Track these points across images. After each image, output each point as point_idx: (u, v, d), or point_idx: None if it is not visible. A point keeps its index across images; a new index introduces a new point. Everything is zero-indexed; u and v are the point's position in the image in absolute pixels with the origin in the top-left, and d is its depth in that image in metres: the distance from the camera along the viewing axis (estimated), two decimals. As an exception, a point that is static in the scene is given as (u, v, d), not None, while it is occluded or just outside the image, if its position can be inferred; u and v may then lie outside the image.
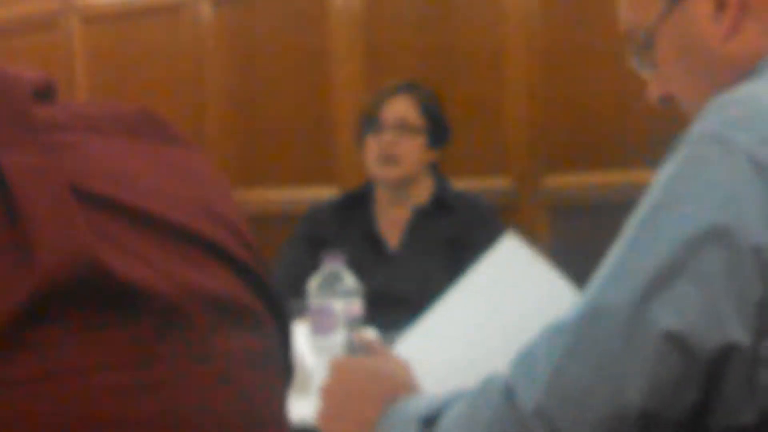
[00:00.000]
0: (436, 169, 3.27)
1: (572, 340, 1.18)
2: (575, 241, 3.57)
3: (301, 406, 1.92)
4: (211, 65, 4.30)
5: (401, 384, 1.51)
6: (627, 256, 1.18)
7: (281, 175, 4.17)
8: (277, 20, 4.15)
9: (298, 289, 2.55)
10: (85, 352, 0.43)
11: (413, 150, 3.12)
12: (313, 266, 2.55)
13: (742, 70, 1.34)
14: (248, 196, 4.09)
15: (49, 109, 0.50)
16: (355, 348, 1.79)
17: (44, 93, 0.51)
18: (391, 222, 3.22)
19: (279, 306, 0.54)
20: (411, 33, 3.90)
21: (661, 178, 1.21)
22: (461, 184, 3.41)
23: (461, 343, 1.77)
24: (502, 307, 1.78)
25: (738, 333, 1.11)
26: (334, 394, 1.54)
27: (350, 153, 3.41)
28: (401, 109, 3.13)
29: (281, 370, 0.55)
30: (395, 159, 3.11)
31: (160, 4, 4.41)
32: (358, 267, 2.56)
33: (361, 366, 1.57)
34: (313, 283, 2.44)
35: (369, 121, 3.15)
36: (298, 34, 4.11)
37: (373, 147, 3.13)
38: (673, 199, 1.18)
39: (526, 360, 1.22)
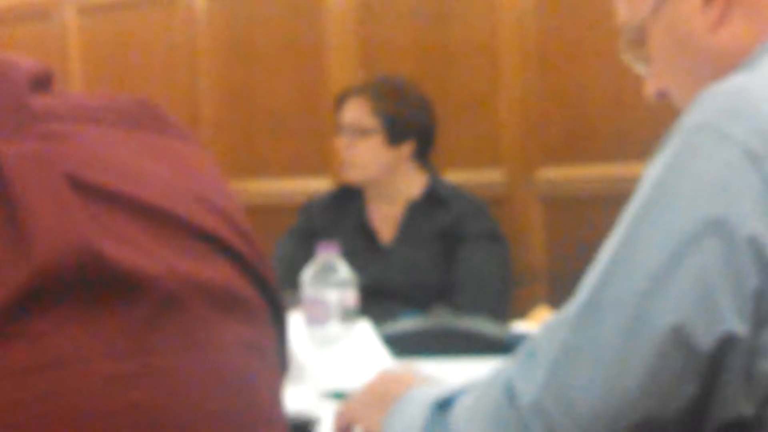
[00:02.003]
0: (428, 164, 3.27)
1: (571, 337, 1.18)
2: (569, 234, 3.58)
3: (296, 396, 1.92)
4: (205, 57, 4.29)
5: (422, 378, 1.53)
6: (624, 251, 1.19)
7: (275, 167, 4.17)
8: (272, 12, 4.14)
9: (293, 282, 2.55)
10: (80, 342, 0.43)
11: (368, 152, 3.14)
12: (308, 259, 2.56)
13: (731, 63, 1.35)
14: (242, 187, 4.08)
15: (46, 99, 0.50)
16: None
17: (41, 82, 0.51)
18: (384, 216, 3.22)
19: (274, 296, 0.54)
20: (405, 26, 3.90)
21: (654, 170, 1.21)
22: (455, 176, 3.41)
23: None
24: None
25: (736, 324, 1.11)
26: (372, 389, 1.56)
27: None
28: (353, 112, 3.16)
29: (276, 360, 0.55)
30: (352, 163, 3.14)
31: (154, -5, 4.41)
32: (351, 260, 2.57)
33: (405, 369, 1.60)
34: (308, 274, 2.44)
35: (336, 125, 3.20)
36: (292, 26, 4.11)
37: (337, 150, 3.18)
38: (666, 192, 1.18)
39: (526, 355, 1.23)
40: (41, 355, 0.43)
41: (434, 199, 3.18)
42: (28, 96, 0.48)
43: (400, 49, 3.90)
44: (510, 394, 1.20)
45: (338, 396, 1.96)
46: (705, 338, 1.11)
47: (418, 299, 2.98)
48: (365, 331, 2.39)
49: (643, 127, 3.24)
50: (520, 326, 2.52)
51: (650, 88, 1.51)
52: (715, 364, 1.12)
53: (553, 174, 3.68)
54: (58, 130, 0.48)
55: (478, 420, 1.25)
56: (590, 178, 3.59)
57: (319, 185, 3.77)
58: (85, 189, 0.46)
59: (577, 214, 3.59)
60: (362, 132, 3.13)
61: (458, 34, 3.81)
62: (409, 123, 3.19)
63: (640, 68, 1.51)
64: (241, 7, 4.22)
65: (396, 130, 3.15)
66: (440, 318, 2.46)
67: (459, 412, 1.30)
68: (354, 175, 3.16)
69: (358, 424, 1.53)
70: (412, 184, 3.22)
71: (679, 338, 1.11)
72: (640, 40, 1.46)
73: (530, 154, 3.72)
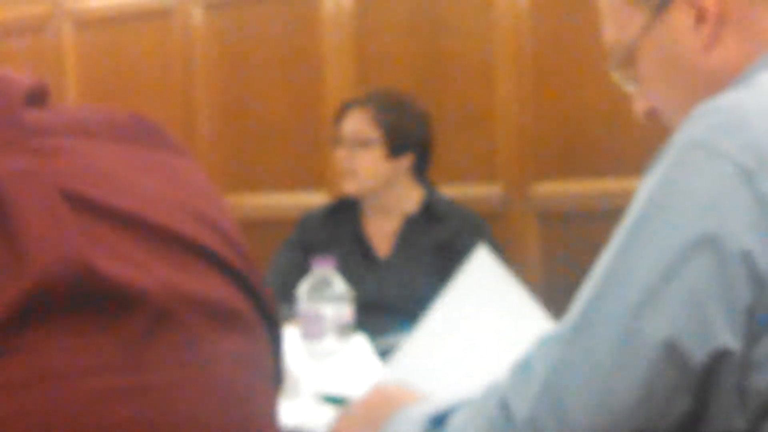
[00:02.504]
0: (423, 177, 3.27)
1: (565, 351, 1.18)
2: (564, 249, 3.58)
3: (292, 411, 1.92)
4: (201, 70, 4.30)
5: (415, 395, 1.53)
6: (617, 267, 1.19)
7: (271, 181, 4.17)
8: (268, 26, 4.15)
9: (288, 296, 2.55)
10: (74, 356, 0.43)
11: (368, 163, 3.14)
12: (304, 273, 2.55)
13: (724, 82, 1.35)
14: (238, 201, 4.09)
15: (40, 113, 0.50)
16: None
17: (36, 97, 0.51)
18: (381, 230, 3.22)
19: (269, 310, 0.54)
20: (402, 40, 3.90)
21: (648, 186, 1.21)
22: (451, 191, 3.41)
23: (446, 359, 1.79)
24: (479, 320, 1.81)
25: (729, 339, 1.11)
26: (364, 407, 1.55)
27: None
28: (355, 122, 3.16)
29: (271, 374, 0.54)
30: (351, 173, 3.14)
31: (151, 9, 4.41)
32: (348, 274, 2.57)
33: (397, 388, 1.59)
34: (303, 288, 2.44)
35: (333, 137, 3.20)
36: (289, 39, 4.11)
37: (337, 161, 3.18)
38: (660, 208, 1.18)
39: (520, 370, 1.23)
40: (36, 370, 0.43)
41: (431, 213, 3.18)
42: (22, 110, 0.48)
43: (396, 63, 3.90)
44: (505, 409, 1.21)
45: (332, 401, 1.96)
46: (698, 353, 1.11)
47: (413, 313, 2.98)
48: (361, 345, 2.39)
49: (639, 143, 3.24)
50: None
51: (640, 107, 1.51)
52: (708, 378, 1.12)
53: (549, 189, 3.69)
54: (51, 144, 0.48)
55: None
56: (586, 194, 3.59)
57: (315, 200, 3.77)
58: (78, 203, 0.46)
59: (572, 230, 3.59)
60: (363, 143, 3.14)
61: (455, 49, 3.81)
62: (410, 136, 3.20)
63: (629, 87, 1.51)
64: (237, 21, 4.22)
65: (397, 143, 3.15)
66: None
67: (453, 428, 1.30)
68: (352, 186, 3.16)
69: None
70: (409, 198, 3.22)
71: (672, 353, 1.11)
72: (629, 59, 1.47)
73: (526, 169, 3.72)
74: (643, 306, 1.14)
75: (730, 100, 1.24)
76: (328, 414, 1.91)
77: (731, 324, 1.12)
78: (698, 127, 1.20)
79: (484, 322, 1.81)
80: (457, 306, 1.84)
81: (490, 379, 1.30)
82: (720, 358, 1.11)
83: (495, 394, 1.24)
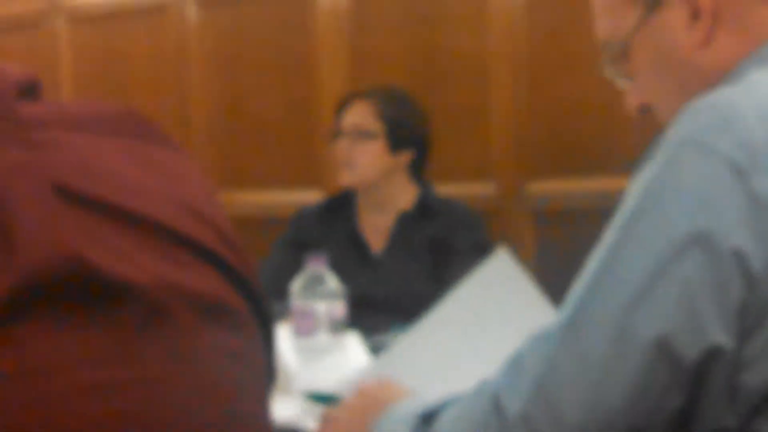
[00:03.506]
0: (419, 176, 3.27)
1: (557, 349, 1.18)
2: (559, 247, 3.58)
3: (283, 407, 1.92)
4: (196, 67, 4.29)
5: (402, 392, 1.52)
6: (609, 264, 1.19)
7: (266, 178, 4.16)
8: (263, 23, 4.14)
9: (282, 293, 2.54)
10: (65, 349, 0.43)
11: (368, 155, 3.13)
12: (297, 270, 2.55)
13: (716, 79, 1.35)
14: (231, 198, 4.08)
15: (33, 107, 0.50)
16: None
17: (29, 91, 0.51)
18: (375, 226, 3.22)
19: (262, 306, 0.54)
20: (396, 39, 3.90)
21: (640, 183, 1.21)
22: (445, 190, 3.41)
23: (448, 355, 1.78)
24: (488, 322, 1.79)
25: (720, 336, 1.12)
26: (351, 407, 1.55)
27: (333, 157, 3.41)
28: (357, 115, 3.15)
29: (263, 370, 0.54)
30: (350, 165, 3.13)
31: (146, 6, 4.40)
32: (341, 271, 2.56)
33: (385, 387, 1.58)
34: (296, 285, 2.44)
35: (333, 129, 3.19)
36: (283, 37, 4.11)
37: (335, 154, 3.17)
38: (652, 205, 1.18)
39: (512, 367, 1.23)
40: (27, 362, 0.43)
41: (426, 210, 3.18)
42: (15, 104, 0.48)
43: (390, 60, 3.90)
44: (497, 406, 1.21)
45: (320, 399, 1.96)
46: (689, 350, 1.11)
47: (407, 310, 2.97)
48: (354, 342, 2.39)
49: (634, 141, 3.25)
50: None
51: (632, 102, 1.51)
52: (700, 376, 1.12)
53: (543, 188, 3.69)
54: (44, 138, 0.48)
55: (463, 431, 1.25)
56: (580, 192, 3.60)
57: (309, 197, 3.77)
58: (71, 197, 0.46)
59: (567, 228, 3.59)
60: (365, 135, 3.13)
61: (449, 47, 3.81)
62: (411, 132, 3.20)
63: (622, 83, 1.51)
64: (232, 17, 4.22)
65: (398, 137, 3.15)
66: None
67: (443, 424, 1.30)
68: (351, 177, 3.16)
69: None
70: (405, 194, 3.22)
71: (664, 350, 1.12)
72: (622, 55, 1.47)
73: (520, 167, 3.72)
74: (635, 303, 1.14)
75: (722, 97, 1.24)
76: (321, 411, 1.91)
77: (723, 322, 1.12)
78: (691, 124, 1.20)
79: (492, 323, 1.79)
80: (465, 305, 1.82)
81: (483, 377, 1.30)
82: (712, 355, 1.12)
83: (487, 390, 1.24)
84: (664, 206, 1.17)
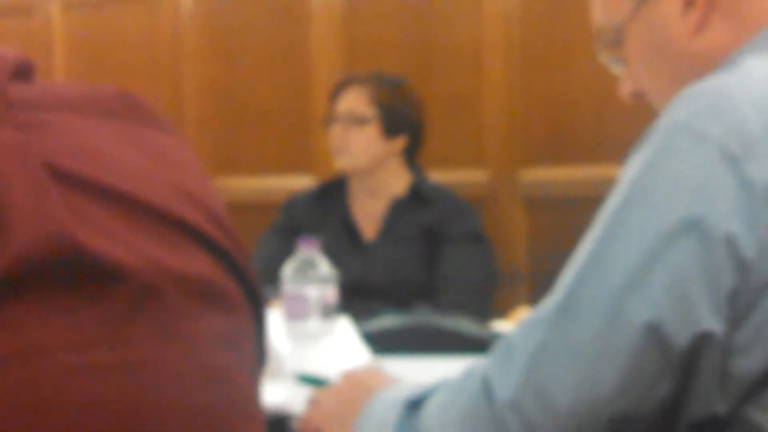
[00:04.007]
0: (413, 162, 3.27)
1: (547, 334, 1.18)
2: (552, 234, 3.58)
3: (275, 391, 1.92)
4: (190, 54, 4.29)
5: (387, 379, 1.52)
6: (600, 250, 1.19)
7: (258, 165, 4.16)
8: (257, 11, 4.14)
9: (274, 279, 2.55)
10: (56, 331, 0.43)
11: (361, 141, 3.14)
12: (289, 256, 2.55)
13: (710, 66, 1.35)
14: (225, 184, 4.08)
15: (26, 88, 0.50)
16: None
17: (22, 72, 0.51)
18: (367, 213, 3.22)
19: (255, 290, 0.54)
20: (391, 27, 3.90)
21: (632, 170, 1.22)
22: (439, 176, 3.41)
23: None
24: None
25: (712, 322, 1.12)
26: (337, 394, 1.55)
27: (327, 143, 3.41)
28: (352, 100, 3.16)
29: (254, 354, 0.54)
30: (344, 150, 3.14)
31: (140, -9, 4.39)
32: (334, 256, 2.57)
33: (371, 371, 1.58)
34: (288, 269, 2.44)
35: (327, 115, 3.19)
36: (277, 25, 4.10)
37: (330, 139, 3.18)
38: (644, 191, 1.18)
39: (502, 351, 1.23)
40: (16, 344, 0.42)
41: (418, 197, 3.18)
42: (8, 84, 0.48)
43: (384, 48, 3.90)
44: (487, 390, 1.21)
45: (309, 381, 1.96)
46: (680, 336, 1.12)
47: (399, 297, 2.98)
48: (345, 327, 2.39)
49: (627, 129, 3.24)
50: (501, 326, 2.53)
51: (626, 89, 1.51)
52: (690, 362, 1.12)
53: (536, 175, 3.69)
54: (36, 118, 0.48)
55: (452, 416, 1.25)
56: (573, 180, 3.60)
57: (302, 183, 3.77)
58: (63, 178, 0.46)
59: (559, 216, 3.59)
60: (359, 120, 3.14)
61: (443, 35, 3.81)
62: (406, 118, 3.20)
63: (616, 69, 1.52)
64: (227, 5, 4.21)
65: (392, 123, 3.16)
66: (421, 316, 2.45)
67: (432, 409, 1.30)
68: (345, 162, 3.16)
69: (324, 430, 1.53)
70: (398, 181, 3.22)
71: (655, 336, 1.12)
72: (617, 41, 1.47)
73: (513, 155, 3.72)
74: (627, 289, 1.14)
75: (715, 84, 1.24)
76: (309, 394, 1.91)
77: (714, 308, 1.12)
78: (683, 110, 1.21)
79: None
80: None
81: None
82: (703, 341, 1.12)
83: (476, 375, 1.24)
84: (655, 192, 1.17)
